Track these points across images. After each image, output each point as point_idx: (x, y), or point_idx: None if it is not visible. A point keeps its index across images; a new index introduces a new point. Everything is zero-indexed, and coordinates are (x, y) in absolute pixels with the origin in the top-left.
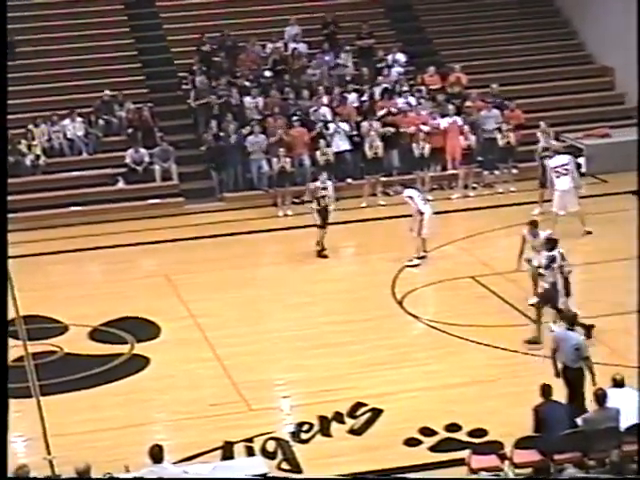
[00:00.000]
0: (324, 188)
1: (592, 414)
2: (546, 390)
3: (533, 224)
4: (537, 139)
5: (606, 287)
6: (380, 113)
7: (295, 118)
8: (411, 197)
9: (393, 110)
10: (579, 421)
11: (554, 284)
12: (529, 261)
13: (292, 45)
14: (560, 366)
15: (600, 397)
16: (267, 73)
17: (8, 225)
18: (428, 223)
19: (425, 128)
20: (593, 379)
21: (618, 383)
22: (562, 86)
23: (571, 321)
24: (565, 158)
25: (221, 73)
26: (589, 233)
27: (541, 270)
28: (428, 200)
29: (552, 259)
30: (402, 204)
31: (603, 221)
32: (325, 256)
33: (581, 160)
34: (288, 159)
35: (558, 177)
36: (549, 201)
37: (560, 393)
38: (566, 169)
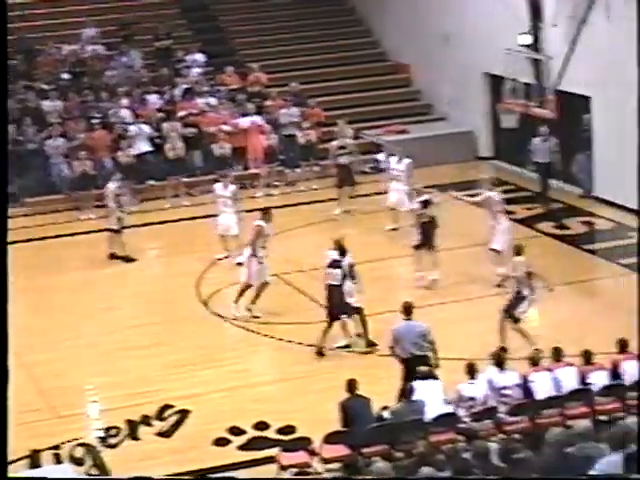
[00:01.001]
0: (119, 194)
1: (398, 406)
2: (352, 385)
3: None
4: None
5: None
6: (181, 114)
7: (95, 121)
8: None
9: (194, 111)
10: (385, 414)
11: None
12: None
13: (90, 47)
14: (404, 356)
15: (407, 390)
16: (65, 76)
17: None
18: None
19: (226, 128)
20: (437, 361)
21: (424, 376)
22: (360, 84)
23: (408, 310)
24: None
25: (18, 77)
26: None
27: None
28: None
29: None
30: (205, 204)
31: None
32: (130, 259)
33: (380, 156)
34: (89, 162)
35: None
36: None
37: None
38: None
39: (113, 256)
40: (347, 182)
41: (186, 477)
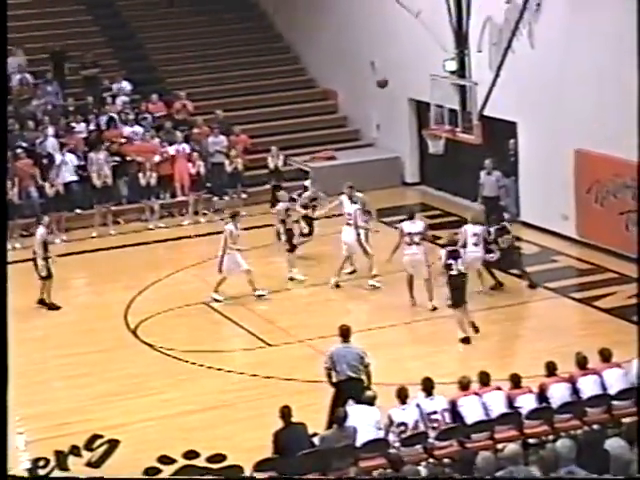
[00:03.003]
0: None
1: (329, 433)
2: (285, 412)
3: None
4: (266, 164)
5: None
6: (107, 143)
7: (20, 150)
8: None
9: (121, 140)
10: (316, 440)
11: None
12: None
13: (17, 76)
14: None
15: (339, 417)
16: None
17: None
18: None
19: (155, 157)
20: (370, 385)
21: (366, 401)
22: (288, 110)
23: (345, 333)
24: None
25: None
26: None
27: None
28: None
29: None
30: (132, 232)
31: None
32: (54, 307)
33: (307, 183)
34: (15, 191)
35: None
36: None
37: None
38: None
39: (42, 302)
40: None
41: None
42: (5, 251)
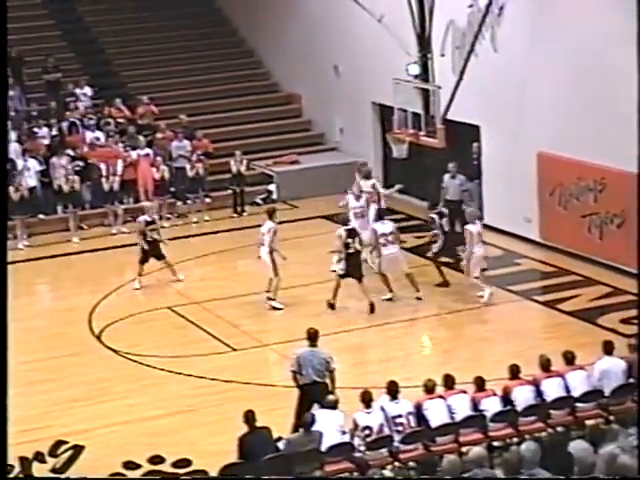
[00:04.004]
0: (151, 222)
1: (294, 436)
2: (249, 417)
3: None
4: (229, 168)
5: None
6: (70, 148)
7: None
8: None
9: (83, 146)
10: (281, 445)
11: None
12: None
13: None
14: (304, 382)
15: (306, 422)
16: None
17: None
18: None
19: (119, 162)
20: (334, 389)
21: (329, 405)
22: (251, 115)
23: (313, 337)
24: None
25: None
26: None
27: None
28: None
29: None
30: (96, 237)
31: (295, 246)
32: None
33: (272, 187)
34: None
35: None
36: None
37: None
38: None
39: None
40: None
41: None
42: (5, 251)
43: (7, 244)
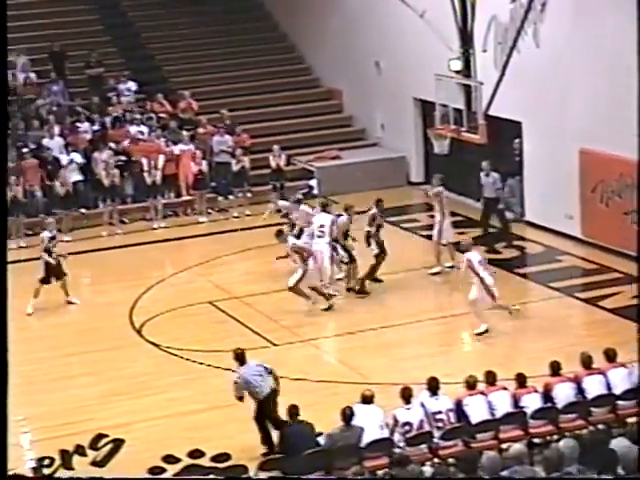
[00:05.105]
0: (53, 237)
1: (336, 431)
2: (292, 411)
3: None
4: (269, 163)
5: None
6: (112, 142)
7: (26, 149)
8: (470, 260)
9: (125, 141)
10: (321, 439)
11: None
12: None
13: (21, 75)
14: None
15: (346, 415)
16: None
17: None
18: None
19: (160, 157)
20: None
21: (366, 400)
22: (292, 110)
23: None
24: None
25: None
26: None
27: None
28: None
29: None
30: (138, 232)
31: None
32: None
33: (313, 182)
34: (19, 188)
35: None
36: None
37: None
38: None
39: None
40: None
41: None
42: (5, 251)
43: (6, 244)
